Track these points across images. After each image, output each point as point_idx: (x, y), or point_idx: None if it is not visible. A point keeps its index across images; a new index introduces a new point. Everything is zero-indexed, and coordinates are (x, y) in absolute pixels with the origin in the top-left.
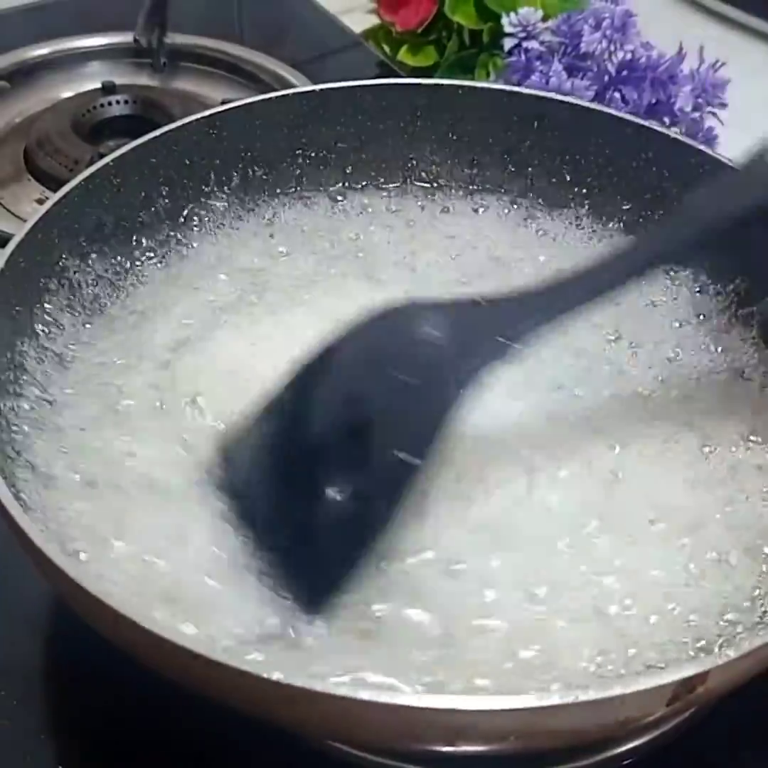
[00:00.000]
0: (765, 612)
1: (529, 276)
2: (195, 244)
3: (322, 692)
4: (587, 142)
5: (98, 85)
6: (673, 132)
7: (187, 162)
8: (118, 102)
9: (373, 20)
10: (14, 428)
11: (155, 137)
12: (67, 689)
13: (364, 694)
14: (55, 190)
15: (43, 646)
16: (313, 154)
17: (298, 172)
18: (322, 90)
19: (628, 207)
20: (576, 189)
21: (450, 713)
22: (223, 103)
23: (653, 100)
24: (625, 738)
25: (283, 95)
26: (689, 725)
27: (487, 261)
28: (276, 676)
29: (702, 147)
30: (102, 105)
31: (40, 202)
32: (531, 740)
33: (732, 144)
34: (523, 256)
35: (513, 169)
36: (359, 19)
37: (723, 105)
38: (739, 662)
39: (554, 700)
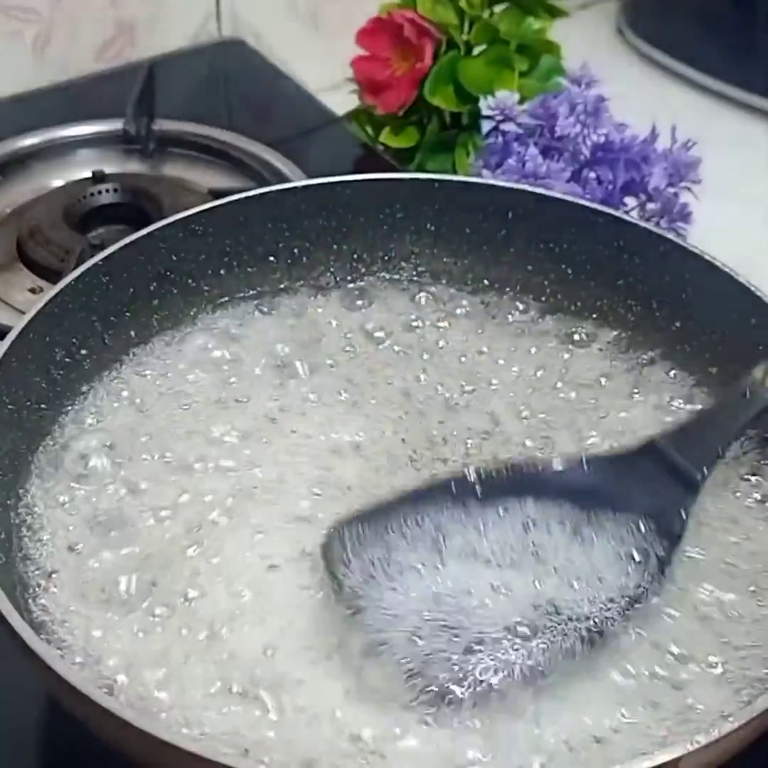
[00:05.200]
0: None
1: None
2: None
3: None
4: (560, 231)
5: (88, 174)
6: (643, 221)
7: (174, 258)
8: (107, 190)
9: (356, 99)
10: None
11: (143, 236)
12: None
13: None
14: (47, 280)
15: (38, 731)
16: (296, 248)
17: (282, 264)
18: (304, 186)
19: (601, 294)
20: (552, 276)
21: None
22: (210, 192)
23: (628, 180)
24: None
25: (266, 192)
26: None
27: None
28: None
29: (671, 236)
30: (92, 194)
31: (33, 291)
32: None
33: (708, 216)
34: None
35: (490, 258)
36: (344, 98)
37: (696, 182)
38: (711, 748)
39: None
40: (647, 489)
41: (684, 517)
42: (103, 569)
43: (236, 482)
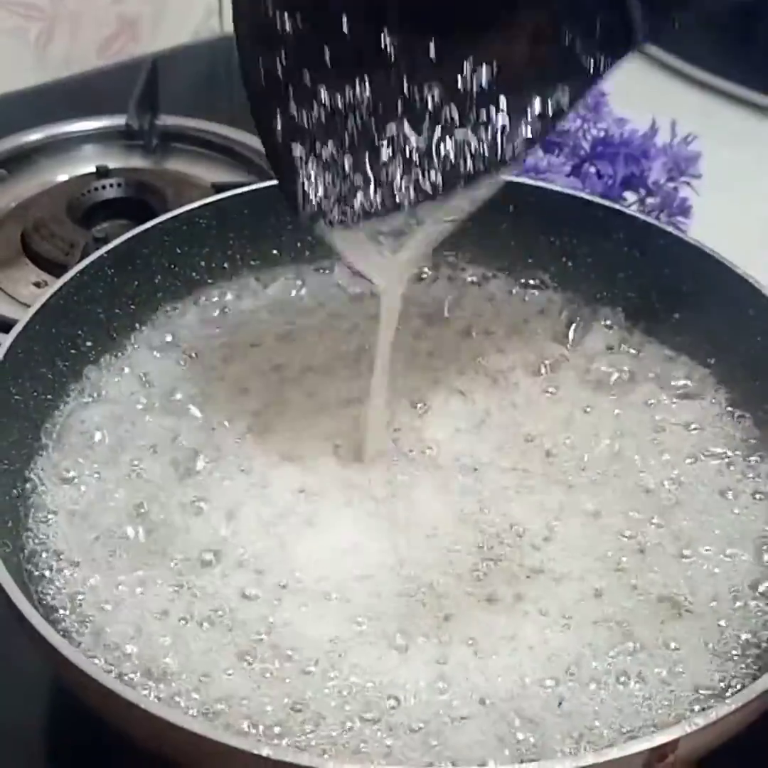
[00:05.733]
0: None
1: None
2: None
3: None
4: (560, 223)
5: (92, 169)
6: (642, 214)
7: (178, 251)
8: (111, 185)
9: None
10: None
11: (147, 228)
12: (69, 755)
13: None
14: (51, 273)
15: (44, 723)
16: (299, 241)
17: (285, 258)
18: None
19: (601, 286)
20: (552, 269)
21: None
22: (213, 187)
23: (628, 174)
24: None
25: (269, 185)
26: None
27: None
28: (266, 752)
29: (669, 228)
30: (96, 188)
31: (38, 285)
32: None
33: (708, 212)
34: (496, 329)
35: (491, 251)
36: None
37: (696, 176)
38: (709, 729)
39: None
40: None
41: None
42: (108, 526)
43: None
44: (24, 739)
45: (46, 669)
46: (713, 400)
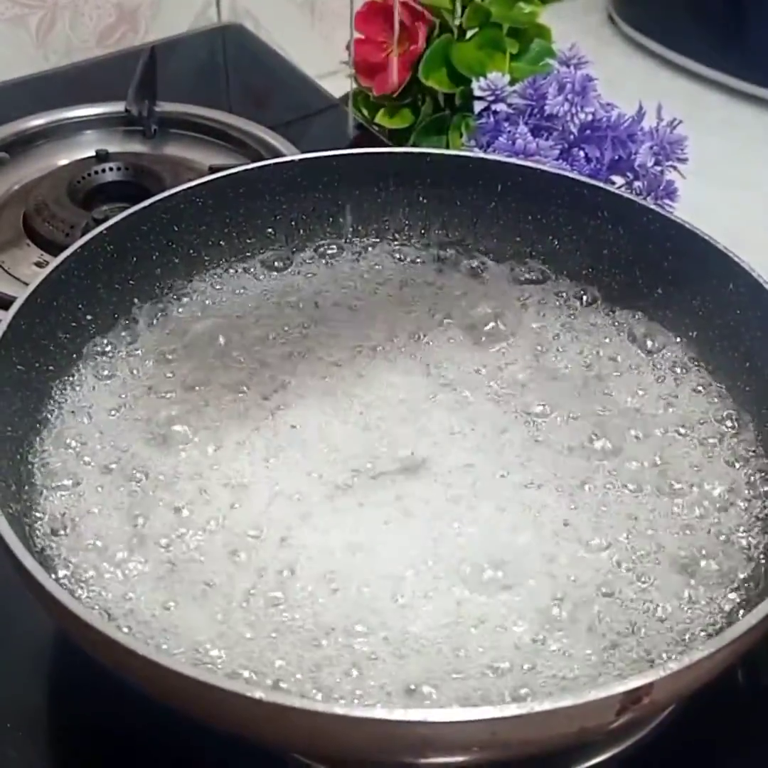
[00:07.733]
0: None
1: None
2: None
3: (293, 706)
4: (547, 202)
5: (92, 153)
6: (626, 192)
7: (176, 229)
8: (111, 169)
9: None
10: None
11: (145, 206)
12: (71, 721)
13: (338, 709)
14: (52, 254)
15: (47, 680)
16: (293, 220)
17: (280, 236)
18: (301, 160)
19: (587, 263)
20: (539, 247)
21: (414, 725)
22: (211, 169)
23: (615, 158)
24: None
25: (264, 165)
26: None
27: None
28: (258, 694)
29: (652, 205)
30: (96, 172)
31: (39, 265)
32: (495, 749)
33: (695, 198)
34: (488, 309)
35: (480, 230)
36: (340, 83)
37: (682, 160)
38: (683, 674)
39: (511, 711)
40: None
41: None
42: (109, 491)
43: None
44: (26, 700)
45: (48, 630)
46: (693, 372)
